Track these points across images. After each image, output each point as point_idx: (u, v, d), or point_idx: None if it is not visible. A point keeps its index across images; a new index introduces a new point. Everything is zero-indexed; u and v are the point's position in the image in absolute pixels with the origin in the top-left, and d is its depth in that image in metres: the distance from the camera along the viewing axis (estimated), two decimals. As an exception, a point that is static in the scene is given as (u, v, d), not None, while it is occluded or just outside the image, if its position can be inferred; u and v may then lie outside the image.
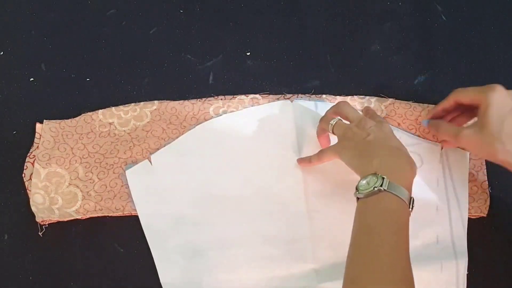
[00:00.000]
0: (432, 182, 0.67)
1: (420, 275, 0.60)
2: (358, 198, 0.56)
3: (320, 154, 0.65)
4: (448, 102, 0.65)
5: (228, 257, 0.64)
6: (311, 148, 0.69)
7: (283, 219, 0.66)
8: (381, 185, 0.54)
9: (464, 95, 0.63)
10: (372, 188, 0.54)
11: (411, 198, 0.55)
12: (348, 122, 0.63)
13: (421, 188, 0.66)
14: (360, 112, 0.66)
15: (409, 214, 0.55)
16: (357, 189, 0.56)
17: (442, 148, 0.69)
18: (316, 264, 0.64)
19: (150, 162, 0.69)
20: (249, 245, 0.65)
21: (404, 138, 0.69)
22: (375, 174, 0.55)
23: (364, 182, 0.55)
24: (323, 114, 0.71)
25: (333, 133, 0.64)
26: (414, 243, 0.62)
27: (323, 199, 0.67)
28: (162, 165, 0.69)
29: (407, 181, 0.56)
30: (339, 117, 0.64)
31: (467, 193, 0.66)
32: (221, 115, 0.72)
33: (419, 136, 0.70)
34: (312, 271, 0.63)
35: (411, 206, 0.55)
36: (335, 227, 0.65)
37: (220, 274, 0.64)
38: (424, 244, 0.64)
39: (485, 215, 0.66)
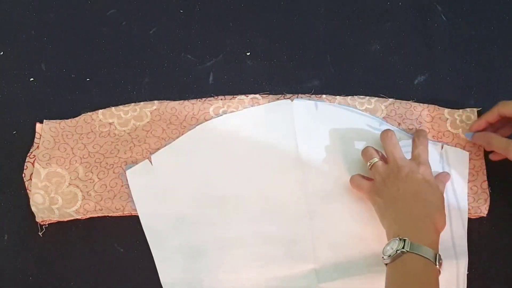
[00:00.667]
0: None
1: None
2: (386, 264, 0.57)
3: (357, 186, 0.65)
4: (491, 115, 0.65)
5: (228, 257, 0.64)
6: (311, 148, 0.69)
7: (283, 219, 0.66)
8: (403, 247, 0.55)
9: (509, 109, 0.63)
10: (395, 252, 0.55)
11: (436, 255, 0.55)
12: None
13: None
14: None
15: (438, 271, 0.55)
16: (383, 254, 0.57)
17: (442, 148, 0.69)
18: (316, 264, 0.64)
19: (151, 162, 0.69)
20: (249, 245, 0.65)
21: (403, 138, 0.69)
22: (397, 237, 0.56)
23: (388, 247, 0.56)
24: (323, 114, 0.71)
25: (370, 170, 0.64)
26: None
27: (323, 199, 0.66)
28: (162, 165, 0.69)
29: (431, 238, 0.57)
30: (377, 158, 0.64)
31: (467, 193, 0.66)
32: (221, 115, 0.72)
33: None
34: (313, 271, 0.63)
35: (437, 263, 0.55)
36: (335, 227, 0.65)
37: (220, 274, 0.64)
38: None
39: (485, 215, 0.66)
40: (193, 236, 0.65)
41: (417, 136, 0.66)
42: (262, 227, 0.66)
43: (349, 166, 0.68)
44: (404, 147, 0.65)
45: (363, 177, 0.65)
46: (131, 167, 0.69)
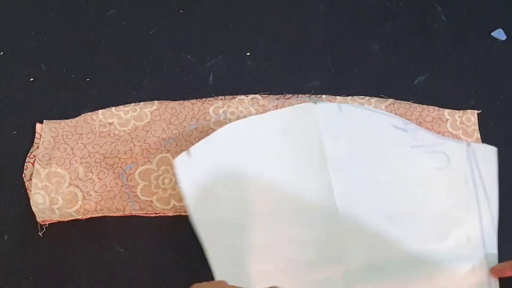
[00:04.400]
0: (460, 180, 0.65)
1: (453, 275, 0.60)
2: None
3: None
4: None
5: (264, 264, 0.62)
6: (337, 150, 0.67)
7: (313, 223, 0.64)
8: None
9: None
10: None
11: None
12: None
13: (449, 188, 0.65)
14: None
15: None
16: None
17: (468, 146, 0.67)
18: (349, 266, 0.62)
19: (189, 154, 0.64)
20: (281, 252, 0.63)
21: (429, 138, 0.68)
22: None
23: None
24: (347, 115, 0.69)
25: None
26: (446, 243, 0.62)
27: (353, 201, 0.65)
28: (205, 158, 0.65)
29: None
30: None
31: (497, 189, 0.65)
32: (221, 115, 0.72)
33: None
34: (346, 273, 0.62)
35: None
36: (366, 228, 0.64)
37: (257, 282, 0.61)
38: (455, 244, 0.63)
39: None
40: (230, 242, 0.63)
41: None
42: (293, 232, 0.64)
43: (376, 166, 0.67)
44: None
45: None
46: (131, 167, 0.69)
